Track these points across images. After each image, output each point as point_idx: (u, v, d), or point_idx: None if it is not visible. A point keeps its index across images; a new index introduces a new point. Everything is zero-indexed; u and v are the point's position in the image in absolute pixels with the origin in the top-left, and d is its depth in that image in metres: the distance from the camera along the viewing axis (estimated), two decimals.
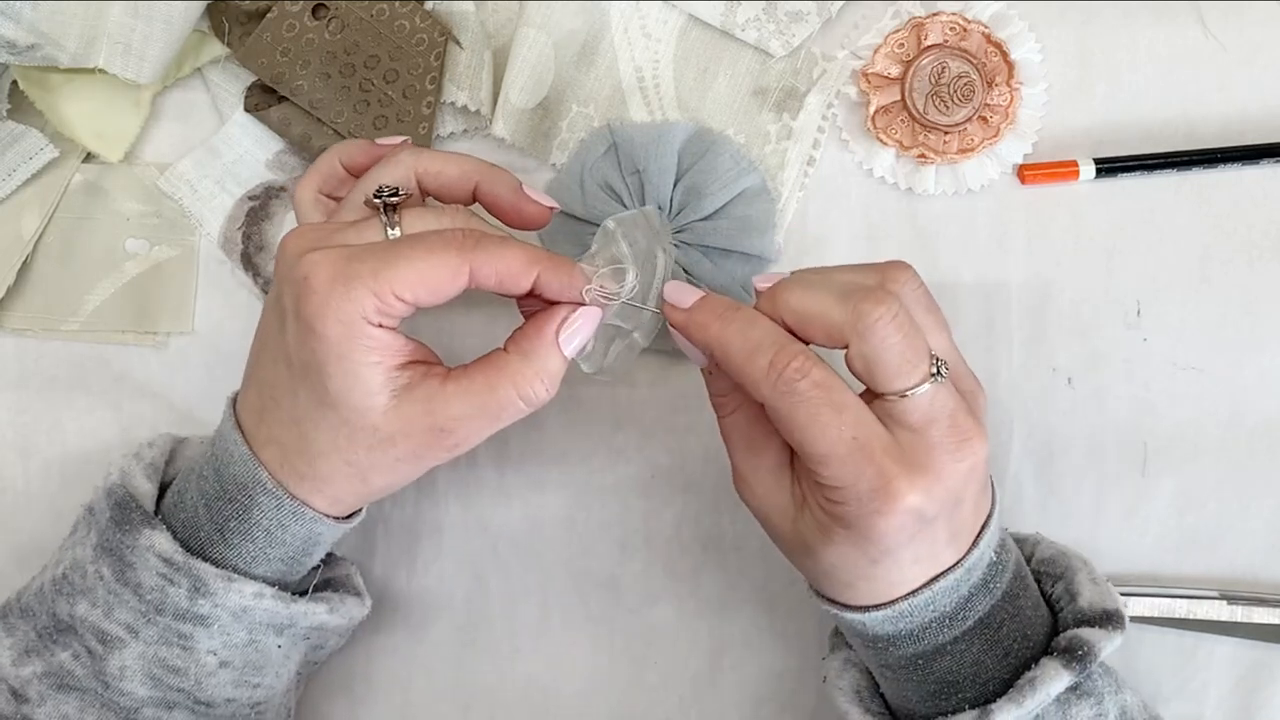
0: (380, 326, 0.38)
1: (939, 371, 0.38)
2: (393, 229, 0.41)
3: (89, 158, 0.53)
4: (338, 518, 0.43)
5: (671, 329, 0.42)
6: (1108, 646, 0.41)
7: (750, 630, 0.53)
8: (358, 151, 0.46)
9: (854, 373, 0.38)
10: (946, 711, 0.42)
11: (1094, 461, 0.52)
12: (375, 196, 0.41)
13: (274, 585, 0.43)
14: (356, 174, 0.46)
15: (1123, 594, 0.51)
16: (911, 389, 0.38)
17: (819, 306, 0.39)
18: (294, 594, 0.44)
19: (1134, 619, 0.51)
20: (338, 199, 0.46)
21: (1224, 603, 0.51)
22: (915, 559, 0.39)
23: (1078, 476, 0.52)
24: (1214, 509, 0.52)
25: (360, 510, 0.45)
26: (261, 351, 0.41)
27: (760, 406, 0.40)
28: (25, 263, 0.53)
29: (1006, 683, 0.41)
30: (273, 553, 0.42)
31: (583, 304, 0.41)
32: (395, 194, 0.41)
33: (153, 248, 0.53)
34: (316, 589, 0.46)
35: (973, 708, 0.41)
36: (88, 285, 0.53)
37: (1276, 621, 0.50)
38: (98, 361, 0.53)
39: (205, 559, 0.42)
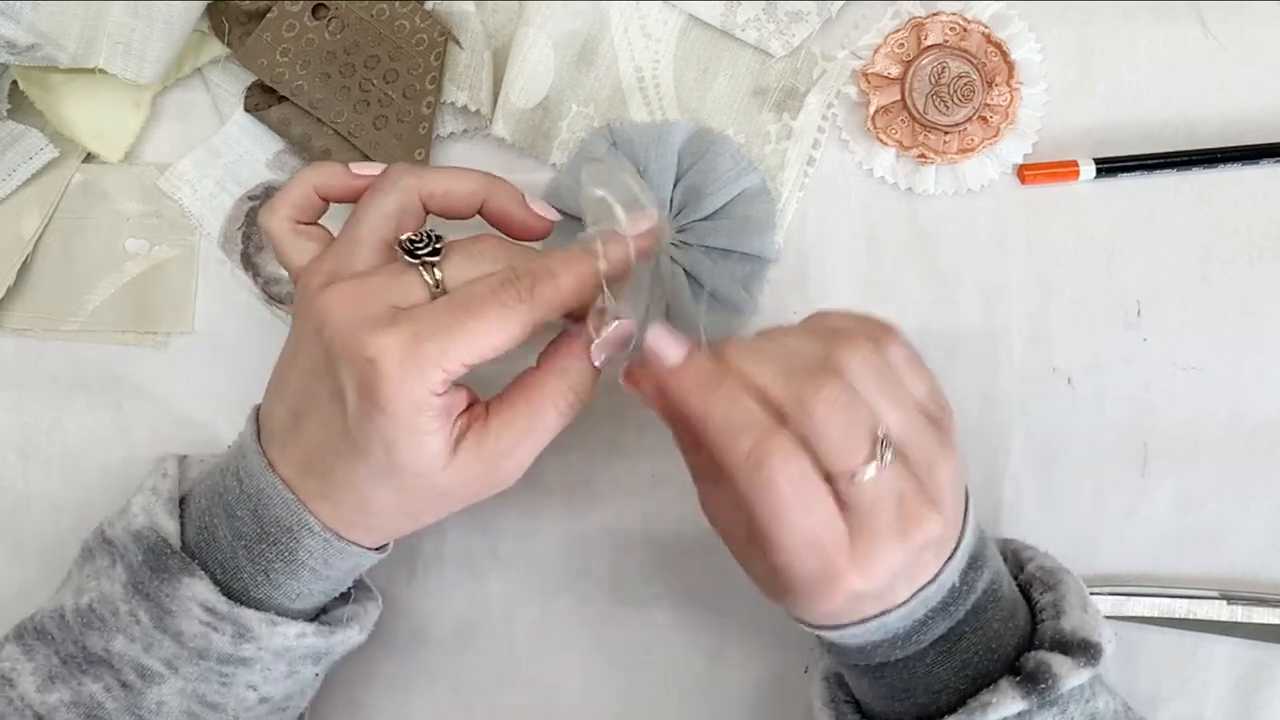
0: (446, 393, 0.39)
1: (882, 455, 0.37)
2: (433, 280, 0.40)
3: (89, 158, 0.53)
4: (381, 549, 0.44)
5: (625, 381, 0.41)
6: (1073, 680, 0.40)
7: (750, 630, 0.53)
8: (334, 179, 0.44)
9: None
10: (899, 713, 0.42)
11: (1094, 461, 0.52)
12: (411, 255, 0.40)
13: (313, 618, 0.44)
14: (334, 201, 0.45)
15: (1123, 594, 0.51)
16: (854, 472, 0.37)
17: (763, 379, 0.38)
18: (328, 621, 0.45)
19: (1134, 619, 0.51)
20: (311, 223, 0.45)
21: (1224, 603, 0.51)
22: (860, 611, 0.39)
23: (1078, 476, 0.52)
24: (1214, 509, 0.52)
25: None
26: (308, 414, 0.40)
27: None
28: (25, 263, 0.53)
29: (962, 692, 0.41)
30: (317, 587, 0.43)
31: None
32: (433, 248, 0.40)
33: (153, 248, 0.53)
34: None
35: (920, 715, 0.41)
36: (88, 285, 0.53)
37: (1276, 621, 0.50)
38: (98, 361, 0.53)
39: (247, 600, 0.42)
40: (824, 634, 0.41)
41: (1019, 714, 0.40)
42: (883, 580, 0.38)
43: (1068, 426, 0.52)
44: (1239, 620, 0.50)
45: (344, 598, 0.46)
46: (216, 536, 0.42)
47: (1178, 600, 0.51)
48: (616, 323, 0.41)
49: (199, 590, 0.41)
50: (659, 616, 0.53)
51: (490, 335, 0.38)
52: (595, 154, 0.42)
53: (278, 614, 0.42)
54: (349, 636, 0.45)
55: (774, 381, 0.38)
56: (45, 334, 0.53)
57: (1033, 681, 0.40)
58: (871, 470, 0.37)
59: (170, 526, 0.43)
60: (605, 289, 0.40)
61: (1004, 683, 0.40)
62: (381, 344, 0.37)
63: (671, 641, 0.53)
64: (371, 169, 0.44)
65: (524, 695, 0.53)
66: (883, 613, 0.39)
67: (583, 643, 0.53)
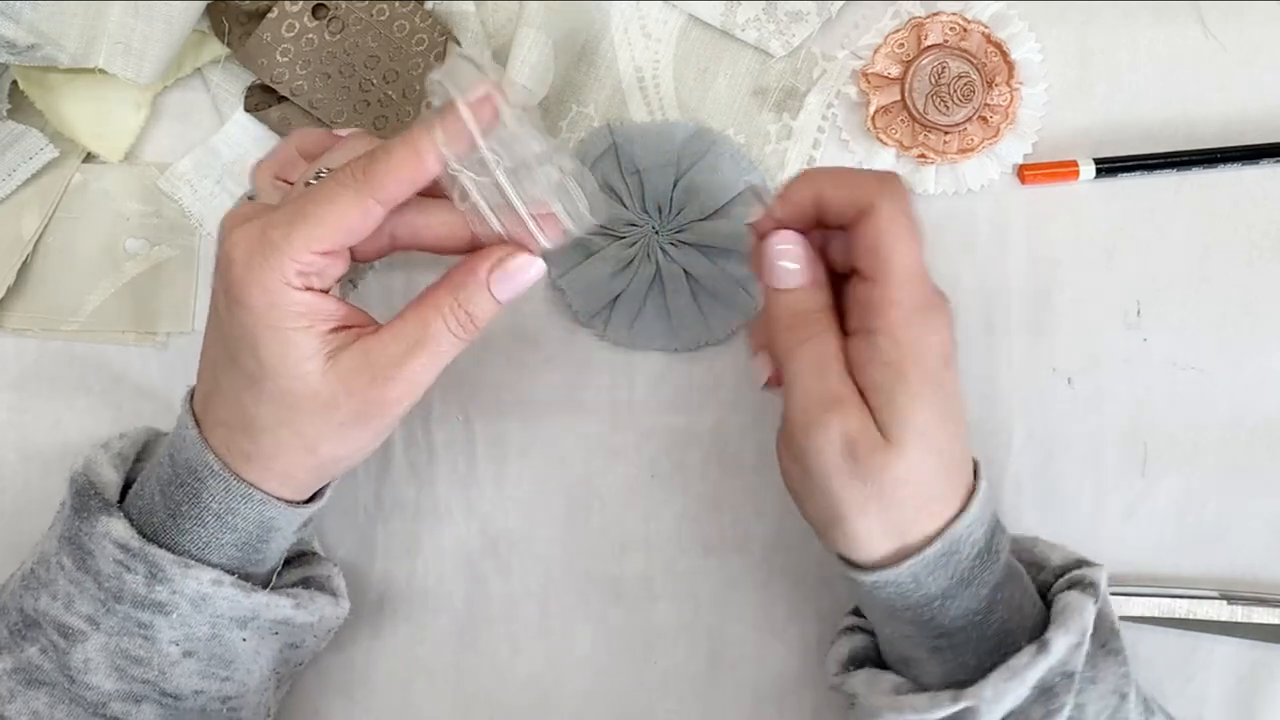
0: (309, 290, 0.39)
1: None
2: None
3: (89, 158, 0.53)
4: (292, 502, 0.42)
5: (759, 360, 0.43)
6: (1101, 578, 0.43)
7: (750, 630, 0.53)
8: (312, 140, 0.46)
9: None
10: (959, 671, 0.42)
11: (1094, 461, 0.52)
12: (315, 178, 0.42)
13: (233, 574, 0.43)
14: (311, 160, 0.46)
15: (1123, 594, 0.51)
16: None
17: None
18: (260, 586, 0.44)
19: (1134, 619, 0.51)
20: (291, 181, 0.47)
21: (1224, 603, 0.51)
22: (954, 441, 0.40)
23: (1078, 476, 0.52)
24: (1214, 509, 0.52)
25: (321, 496, 0.44)
26: (205, 338, 0.42)
27: (830, 338, 0.41)
28: (25, 263, 0.53)
29: (1042, 626, 0.42)
30: (225, 538, 0.42)
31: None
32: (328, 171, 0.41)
33: (153, 248, 0.53)
34: (292, 585, 0.46)
35: (990, 659, 0.41)
36: (88, 285, 0.53)
37: (1276, 621, 0.50)
38: (98, 361, 0.53)
39: (161, 545, 0.42)
40: (928, 553, 0.40)
41: (1091, 644, 0.42)
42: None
43: (1068, 426, 0.52)
44: (1239, 620, 0.50)
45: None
46: (145, 487, 0.43)
47: (1178, 600, 0.51)
48: (523, 256, 0.40)
49: (114, 528, 0.41)
50: (659, 616, 0.53)
51: (329, 216, 0.38)
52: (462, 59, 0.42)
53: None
54: (275, 602, 0.44)
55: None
56: (45, 334, 0.53)
57: (1078, 584, 0.43)
58: None
59: (109, 477, 0.44)
60: (450, 160, 0.39)
61: (1059, 596, 0.43)
62: (234, 238, 0.39)
63: (671, 641, 0.53)
64: (350, 132, 0.46)
65: (524, 695, 0.53)
66: (965, 505, 0.41)
67: (583, 643, 0.53)
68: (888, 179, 0.41)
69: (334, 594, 0.48)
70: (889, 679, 0.44)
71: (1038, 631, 0.41)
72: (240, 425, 0.41)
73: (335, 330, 0.40)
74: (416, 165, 0.39)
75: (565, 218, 0.40)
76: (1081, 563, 0.46)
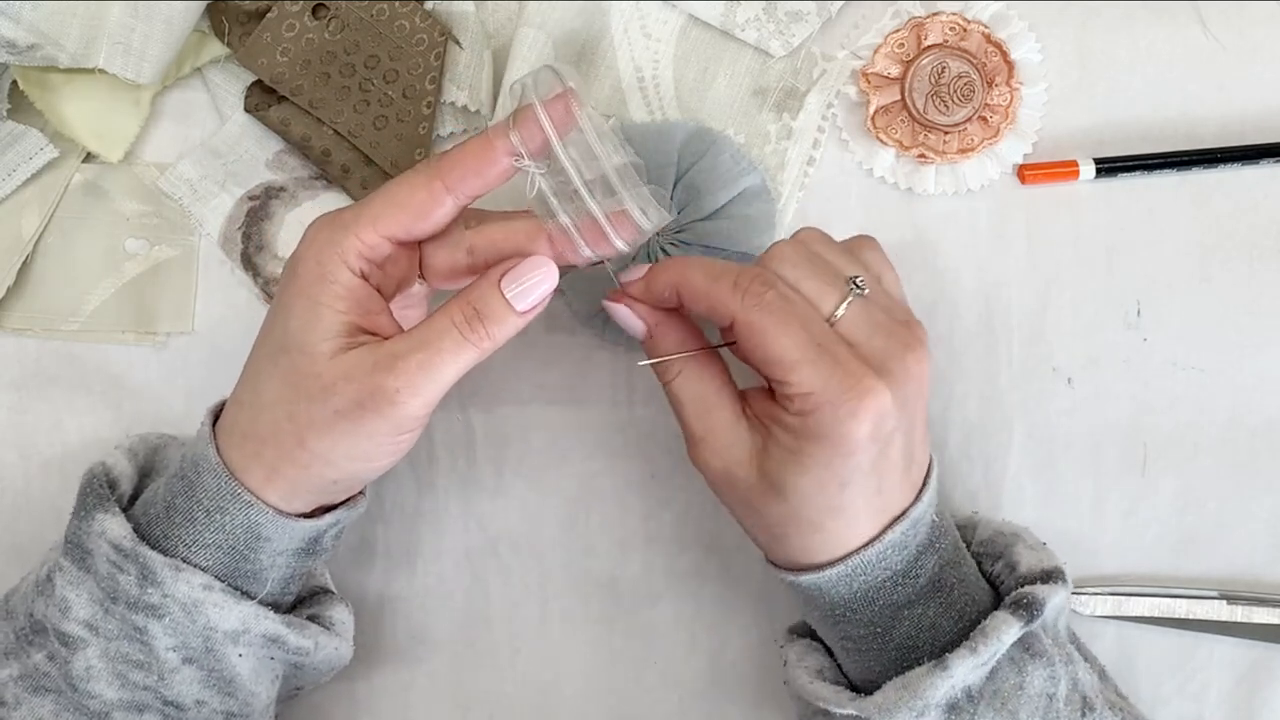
0: (362, 279, 0.40)
1: (857, 285, 0.41)
2: None
3: (89, 158, 0.53)
4: (283, 513, 0.42)
5: (610, 306, 0.44)
6: (1052, 598, 0.42)
7: (750, 630, 0.53)
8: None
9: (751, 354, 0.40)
10: (874, 669, 0.43)
11: (1094, 461, 0.52)
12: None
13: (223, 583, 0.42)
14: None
15: (1123, 594, 0.51)
16: (836, 309, 0.40)
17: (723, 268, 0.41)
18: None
19: (1134, 619, 0.51)
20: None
21: (1224, 603, 0.51)
22: (869, 499, 0.40)
23: (1078, 476, 0.52)
24: (1214, 509, 0.52)
25: (318, 516, 0.44)
26: (253, 348, 0.43)
27: (709, 361, 0.42)
28: (25, 263, 0.53)
29: (950, 634, 0.42)
30: (210, 538, 0.42)
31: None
32: None
33: (153, 248, 0.53)
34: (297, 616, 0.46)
35: (898, 666, 0.42)
36: (88, 285, 0.53)
37: (1276, 621, 0.50)
38: (98, 361, 0.53)
39: (153, 542, 0.42)
40: (832, 571, 0.41)
41: (1017, 649, 0.41)
42: (901, 401, 0.39)
43: (1068, 426, 0.52)
44: (1239, 620, 0.50)
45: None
46: (157, 484, 0.44)
47: (1178, 600, 0.51)
48: (531, 261, 0.41)
49: (109, 526, 0.42)
50: (659, 616, 0.53)
51: (398, 195, 0.40)
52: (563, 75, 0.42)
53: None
54: (264, 614, 0.43)
55: (737, 271, 0.41)
56: (45, 334, 0.53)
57: (1018, 605, 0.42)
58: (850, 300, 0.40)
59: (122, 465, 0.45)
60: (524, 152, 0.40)
61: (994, 613, 0.42)
62: (315, 221, 0.41)
63: (671, 641, 0.53)
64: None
65: (524, 695, 0.53)
66: (881, 533, 0.41)
67: (583, 643, 0.53)
68: (741, 283, 0.40)
69: (338, 634, 0.47)
70: (817, 659, 0.46)
71: (952, 647, 0.41)
72: (249, 401, 0.42)
73: (367, 331, 0.41)
74: (486, 152, 0.40)
75: (639, 215, 0.41)
76: (1047, 575, 0.44)
